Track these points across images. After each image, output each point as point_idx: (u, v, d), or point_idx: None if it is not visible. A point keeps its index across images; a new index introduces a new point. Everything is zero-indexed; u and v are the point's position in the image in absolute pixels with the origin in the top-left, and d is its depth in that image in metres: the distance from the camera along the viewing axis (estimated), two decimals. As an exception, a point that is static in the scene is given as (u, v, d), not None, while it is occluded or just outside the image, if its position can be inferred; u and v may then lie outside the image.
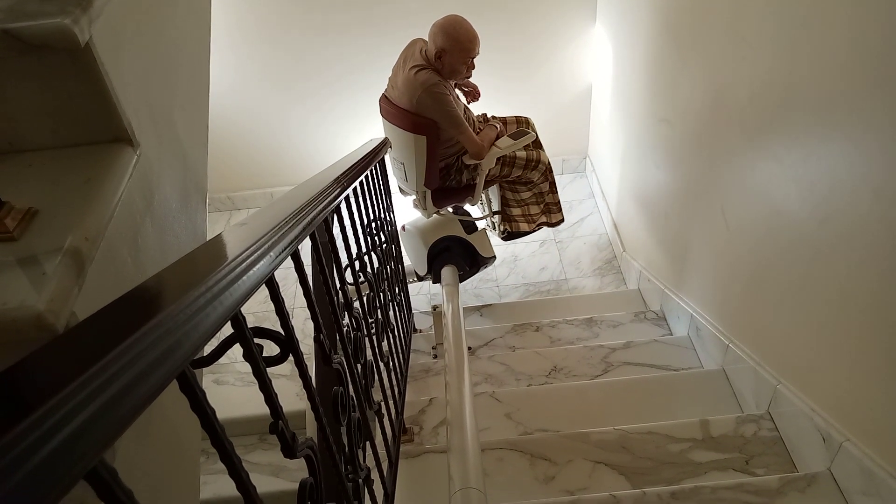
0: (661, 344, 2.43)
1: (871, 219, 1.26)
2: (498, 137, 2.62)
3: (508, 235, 3.09)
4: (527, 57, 3.75)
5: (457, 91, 2.78)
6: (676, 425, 1.84)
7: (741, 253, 1.91)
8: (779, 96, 1.57)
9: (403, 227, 3.07)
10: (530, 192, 2.91)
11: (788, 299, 1.66)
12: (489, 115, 2.91)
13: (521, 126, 2.87)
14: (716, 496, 1.54)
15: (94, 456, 0.33)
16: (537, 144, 2.93)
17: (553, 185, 2.98)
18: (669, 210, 2.61)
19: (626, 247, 3.49)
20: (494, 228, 3.21)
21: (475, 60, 2.43)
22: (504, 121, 2.87)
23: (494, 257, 3.15)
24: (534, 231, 3.10)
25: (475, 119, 2.74)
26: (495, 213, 3.10)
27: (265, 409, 0.66)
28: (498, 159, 2.68)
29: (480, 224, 3.11)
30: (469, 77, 2.48)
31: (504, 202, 3.01)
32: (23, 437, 0.28)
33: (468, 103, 2.80)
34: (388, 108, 2.50)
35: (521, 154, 2.74)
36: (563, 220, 3.13)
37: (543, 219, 3.04)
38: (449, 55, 2.28)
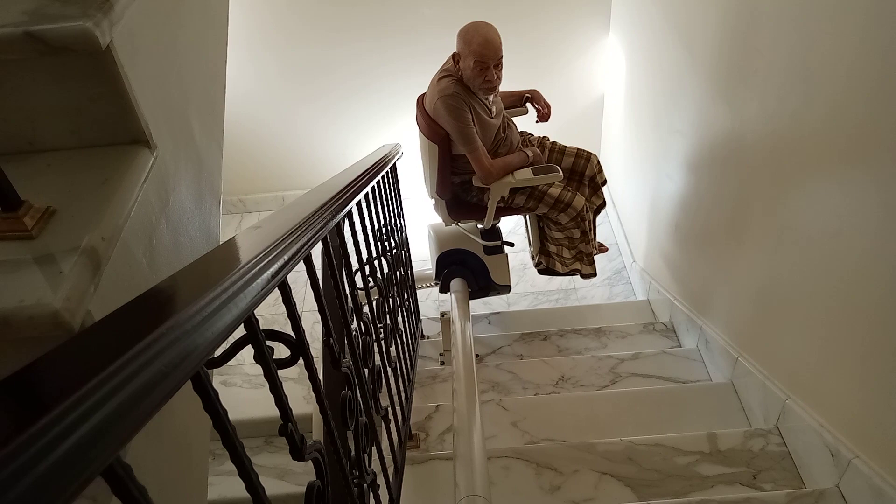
0: (669, 356, 2.42)
1: (882, 233, 1.25)
2: (530, 165, 2.39)
3: (545, 270, 2.90)
4: (539, 65, 3.76)
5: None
6: (684, 438, 1.83)
7: (751, 266, 1.91)
8: (792, 110, 1.57)
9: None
10: (562, 235, 2.66)
11: (798, 313, 1.65)
12: (549, 141, 2.66)
13: (580, 160, 2.60)
14: (722, 510, 1.53)
15: (111, 453, 0.33)
16: (595, 187, 2.66)
17: (585, 234, 2.63)
18: (680, 221, 2.60)
19: (637, 257, 3.48)
20: (533, 258, 3.00)
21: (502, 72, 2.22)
22: (563, 150, 2.61)
23: (509, 287, 2.94)
24: (567, 275, 2.87)
25: (515, 139, 2.52)
26: (506, 243, 2.87)
27: (272, 412, 0.66)
28: (523, 190, 2.48)
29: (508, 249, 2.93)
30: (489, 88, 2.22)
31: (543, 236, 2.81)
32: (44, 433, 0.29)
33: (536, 122, 2.59)
34: (418, 107, 2.43)
35: (553, 192, 2.49)
36: (594, 275, 2.80)
37: (577, 266, 2.76)
38: (463, 60, 2.17)
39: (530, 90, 2.63)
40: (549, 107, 2.59)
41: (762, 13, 1.70)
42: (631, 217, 3.57)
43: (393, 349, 1.66)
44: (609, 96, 3.86)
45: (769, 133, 1.70)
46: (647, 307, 3.13)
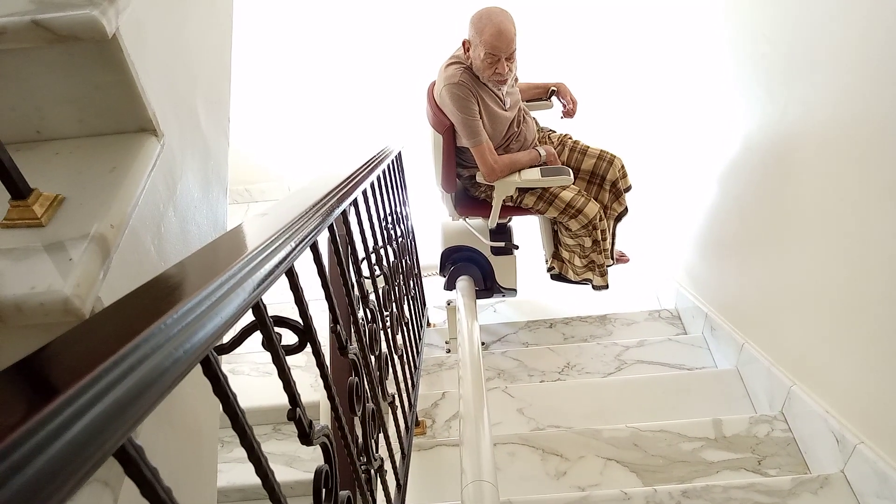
0: (674, 343, 2.42)
1: (888, 218, 1.25)
2: (540, 165, 2.26)
3: (557, 276, 2.74)
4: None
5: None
6: (689, 424, 1.83)
7: (756, 252, 1.90)
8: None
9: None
10: (573, 241, 2.48)
11: (804, 299, 1.65)
12: (571, 139, 2.48)
13: (601, 163, 2.40)
14: (727, 495, 1.54)
15: (123, 434, 0.34)
16: (616, 193, 2.45)
17: (598, 244, 2.43)
18: (685, 207, 2.59)
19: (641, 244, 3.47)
20: (546, 262, 2.82)
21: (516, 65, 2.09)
22: (584, 151, 2.43)
23: (515, 291, 2.80)
24: (579, 284, 2.68)
25: (531, 134, 2.37)
26: (510, 245, 2.71)
27: (280, 400, 0.67)
28: (533, 190, 2.35)
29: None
30: (500, 80, 2.08)
31: (556, 240, 2.64)
32: (57, 414, 0.29)
33: (561, 118, 2.47)
34: (428, 95, 2.31)
35: (565, 195, 2.32)
36: (606, 287, 2.58)
37: (589, 275, 2.57)
38: (473, 49, 2.03)
39: (556, 83, 2.47)
40: (575, 102, 2.44)
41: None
42: (636, 204, 3.55)
43: (399, 337, 1.66)
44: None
45: (775, 120, 1.70)
46: (653, 294, 3.12)
